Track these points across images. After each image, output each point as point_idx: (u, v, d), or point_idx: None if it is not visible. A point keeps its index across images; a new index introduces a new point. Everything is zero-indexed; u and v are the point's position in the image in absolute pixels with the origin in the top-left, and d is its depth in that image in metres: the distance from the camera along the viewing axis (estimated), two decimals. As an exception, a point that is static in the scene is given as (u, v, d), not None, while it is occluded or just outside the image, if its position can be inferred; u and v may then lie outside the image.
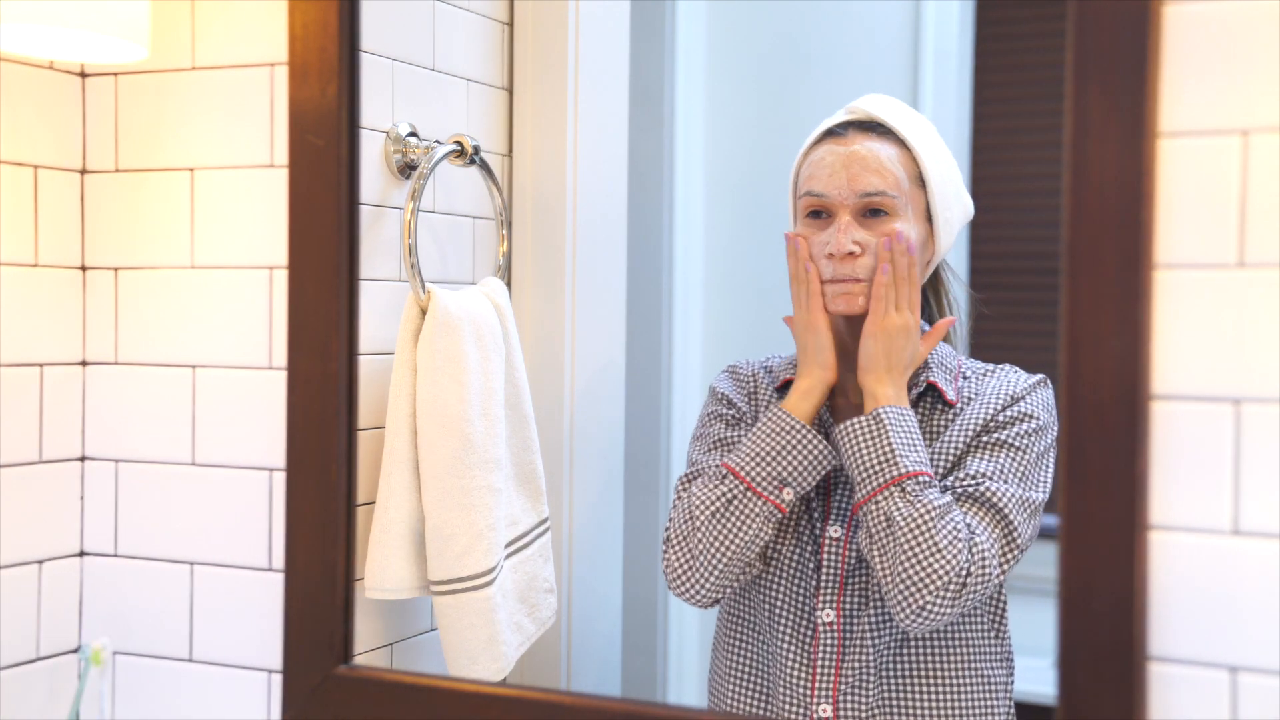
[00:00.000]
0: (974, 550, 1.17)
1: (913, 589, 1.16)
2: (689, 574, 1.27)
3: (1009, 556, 1.20)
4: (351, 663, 1.26)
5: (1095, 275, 0.97)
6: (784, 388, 1.37)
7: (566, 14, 1.55)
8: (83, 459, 1.41)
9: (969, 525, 1.19)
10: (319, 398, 1.25)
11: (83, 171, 1.40)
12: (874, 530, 1.19)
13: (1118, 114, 0.96)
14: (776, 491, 1.24)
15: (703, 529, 1.26)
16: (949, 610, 1.17)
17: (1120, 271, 0.96)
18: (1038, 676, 1.50)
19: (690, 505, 1.28)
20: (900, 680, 1.27)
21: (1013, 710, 1.32)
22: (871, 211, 1.28)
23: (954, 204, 1.32)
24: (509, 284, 1.54)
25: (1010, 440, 1.25)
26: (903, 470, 1.19)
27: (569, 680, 1.58)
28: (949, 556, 1.16)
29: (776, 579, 1.31)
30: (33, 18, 1.16)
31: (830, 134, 1.31)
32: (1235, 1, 0.95)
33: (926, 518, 1.17)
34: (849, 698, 1.26)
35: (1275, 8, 0.94)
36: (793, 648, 1.29)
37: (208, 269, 1.35)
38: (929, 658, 1.27)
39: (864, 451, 1.21)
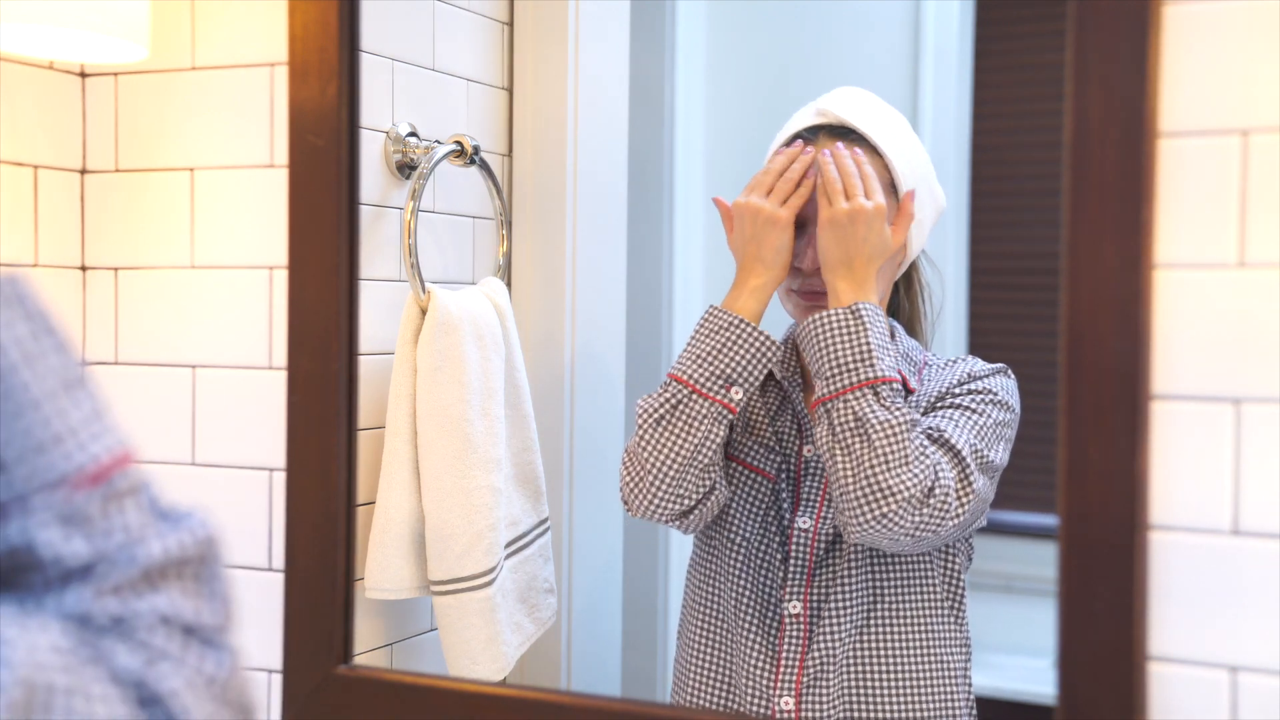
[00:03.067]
0: (939, 470, 1.15)
1: (878, 495, 1.13)
2: (639, 487, 1.22)
3: (964, 498, 1.16)
4: (351, 663, 1.26)
5: (1095, 275, 0.97)
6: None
7: (566, 14, 1.55)
8: (83, 459, 1.41)
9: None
10: (319, 398, 1.25)
11: (83, 171, 1.40)
12: (840, 429, 1.16)
13: (1118, 114, 0.96)
14: (724, 391, 1.21)
15: (649, 438, 1.21)
16: (907, 524, 1.13)
17: (1120, 271, 0.96)
18: (1038, 676, 1.50)
19: (636, 417, 1.24)
20: (862, 669, 1.26)
21: (972, 696, 1.31)
22: None
23: (926, 204, 1.30)
24: (509, 284, 1.54)
25: (966, 404, 1.23)
26: (879, 373, 1.16)
27: (569, 680, 1.58)
28: (918, 469, 1.13)
29: (742, 569, 1.30)
30: (33, 18, 1.16)
31: (799, 139, 1.30)
32: (1235, 1, 0.95)
33: (901, 425, 1.14)
34: (812, 689, 1.25)
35: (1275, 7, 0.94)
36: (757, 639, 1.28)
37: (208, 269, 1.35)
38: (890, 645, 1.26)
39: (838, 345, 1.17)
